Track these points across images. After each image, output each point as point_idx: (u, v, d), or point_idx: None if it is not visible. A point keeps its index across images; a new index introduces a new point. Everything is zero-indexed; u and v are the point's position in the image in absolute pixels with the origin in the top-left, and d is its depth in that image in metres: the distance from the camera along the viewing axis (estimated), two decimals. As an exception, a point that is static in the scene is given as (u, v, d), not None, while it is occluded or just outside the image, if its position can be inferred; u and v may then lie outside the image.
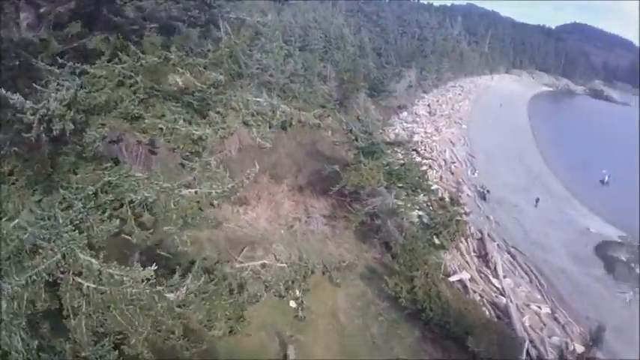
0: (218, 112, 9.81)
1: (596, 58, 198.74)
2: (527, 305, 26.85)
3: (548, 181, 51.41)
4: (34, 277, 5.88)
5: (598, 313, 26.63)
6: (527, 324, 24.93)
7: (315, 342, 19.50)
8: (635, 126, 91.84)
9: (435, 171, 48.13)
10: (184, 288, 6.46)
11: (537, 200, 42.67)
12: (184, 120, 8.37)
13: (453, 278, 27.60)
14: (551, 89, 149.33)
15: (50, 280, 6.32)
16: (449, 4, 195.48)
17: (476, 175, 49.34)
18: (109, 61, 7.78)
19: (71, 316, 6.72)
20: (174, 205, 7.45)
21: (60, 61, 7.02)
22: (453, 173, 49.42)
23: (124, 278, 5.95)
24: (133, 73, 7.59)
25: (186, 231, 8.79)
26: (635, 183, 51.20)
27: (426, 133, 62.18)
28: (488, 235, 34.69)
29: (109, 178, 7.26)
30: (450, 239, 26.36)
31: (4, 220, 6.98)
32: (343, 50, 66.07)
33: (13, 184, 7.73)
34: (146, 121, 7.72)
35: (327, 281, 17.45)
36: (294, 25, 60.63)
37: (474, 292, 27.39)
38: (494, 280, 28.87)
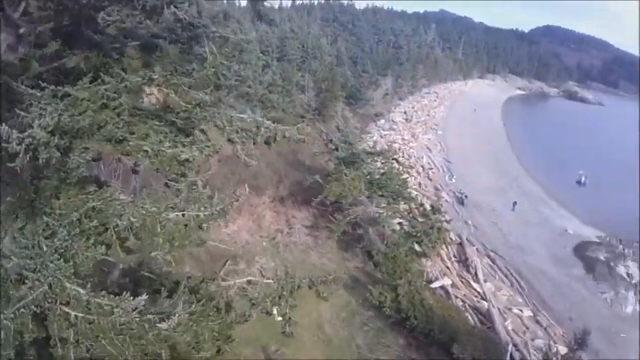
0: (202, 130, 9.74)
1: (569, 60, 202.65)
2: (509, 309, 27.22)
3: (525, 184, 52.30)
4: (22, 309, 5.69)
5: (580, 314, 27.17)
6: (509, 328, 25.28)
7: (301, 355, 19.36)
8: (610, 125, 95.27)
9: (413, 178, 48.59)
10: (176, 316, 6.35)
11: (515, 204, 43.38)
12: (169, 140, 8.27)
13: (435, 284, 27.79)
14: (524, 92, 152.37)
15: (37, 310, 6.14)
16: (422, 11, 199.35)
17: (453, 180, 49.95)
18: (91, 82, 7.64)
19: (59, 345, 6.53)
20: (161, 229, 7.32)
21: (42, 84, 6.85)
22: (430, 179, 50.00)
23: (115, 309, 5.81)
24: (116, 95, 7.47)
25: (172, 252, 8.65)
26: (610, 183, 52.85)
27: (403, 139, 62.87)
28: (468, 239, 35.08)
29: (94, 204, 7.09)
30: (431, 247, 26.62)
31: (-15, 248, 6.75)
32: (320, 60, 66.58)
33: (-6, 210, 7.48)
34: (130, 143, 7.58)
35: (310, 292, 17.36)
36: (270, 35, 60.73)
37: (456, 297, 27.65)
38: (475, 285, 29.20)
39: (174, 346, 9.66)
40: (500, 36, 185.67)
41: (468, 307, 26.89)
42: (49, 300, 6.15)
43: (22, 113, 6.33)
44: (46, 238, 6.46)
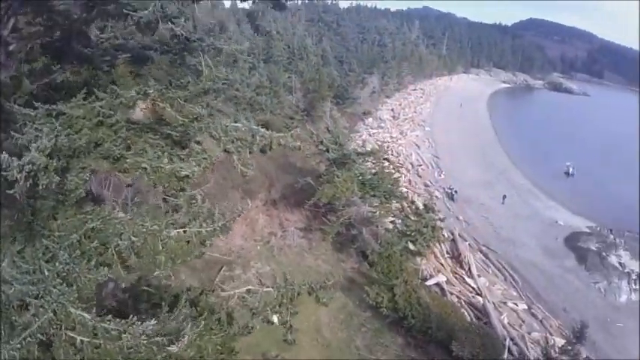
0: (198, 142, 9.62)
1: (553, 52, 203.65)
2: (504, 303, 27.47)
3: (513, 177, 52.71)
4: (29, 338, 5.56)
5: (574, 305, 27.48)
6: (505, 322, 25.53)
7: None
8: (595, 115, 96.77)
9: (403, 175, 48.68)
10: (185, 338, 6.25)
11: (504, 197, 43.69)
12: (166, 153, 8.15)
13: (430, 282, 27.92)
14: (509, 85, 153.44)
15: (44, 338, 6.00)
16: (405, 9, 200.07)
17: (442, 176, 50.22)
18: (84, 98, 7.49)
19: (64, 371, 6.38)
20: (163, 247, 7.21)
21: (35, 103, 6.69)
22: (420, 176, 50.15)
23: (122, 335, 5.70)
24: (111, 111, 7.33)
25: (173, 268, 8.53)
26: (598, 172, 53.48)
27: (391, 137, 63.01)
28: (460, 235, 35.25)
29: (93, 224, 6.95)
30: (425, 245, 26.71)
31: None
32: (307, 60, 66.46)
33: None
34: (128, 160, 7.45)
35: (308, 296, 17.28)
36: (256, 36, 60.42)
37: (452, 294, 27.79)
38: (469, 281, 29.39)
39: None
40: (483, 31, 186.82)
41: (463, 303, 27.07)
42: (54, 326, 6.01)
43: (17, 135, 6.18)
44: (46, 261, 6.32)
